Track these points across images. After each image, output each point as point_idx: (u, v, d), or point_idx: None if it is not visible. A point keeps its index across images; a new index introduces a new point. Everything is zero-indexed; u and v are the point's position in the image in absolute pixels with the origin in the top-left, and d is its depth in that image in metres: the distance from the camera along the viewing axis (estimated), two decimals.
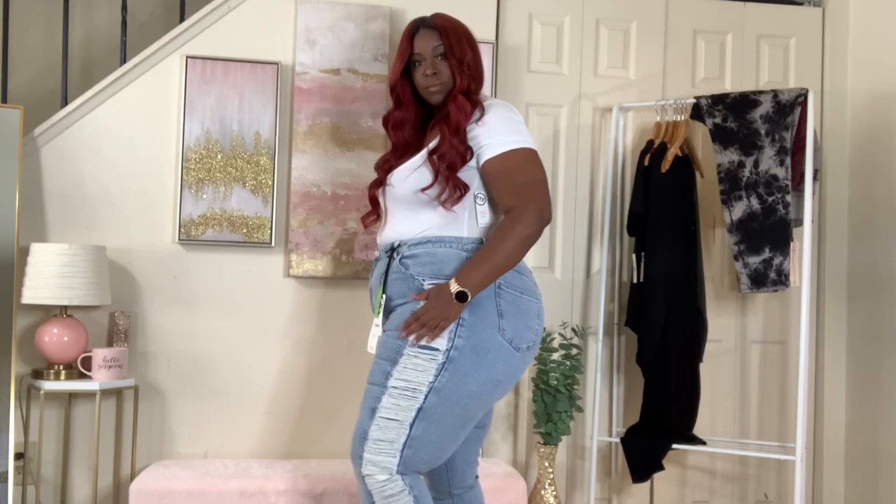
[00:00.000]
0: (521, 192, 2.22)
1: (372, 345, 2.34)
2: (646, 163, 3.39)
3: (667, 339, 3.31)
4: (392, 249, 2.32)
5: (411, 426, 2.17)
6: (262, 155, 3.26)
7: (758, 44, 3.74)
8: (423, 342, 2.18)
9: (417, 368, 2.18)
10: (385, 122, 2.49)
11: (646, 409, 3.39)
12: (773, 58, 3.75)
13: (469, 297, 2.16)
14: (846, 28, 3.75)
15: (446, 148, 2.26)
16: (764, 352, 3.72)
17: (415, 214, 2.30)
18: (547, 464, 3.30)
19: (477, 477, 2.50)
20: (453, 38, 2.37)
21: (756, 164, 3.22)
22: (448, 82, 2.35)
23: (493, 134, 2.25)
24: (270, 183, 3.25)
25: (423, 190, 2.27)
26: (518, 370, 2.26)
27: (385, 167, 2.42)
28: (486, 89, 3.38)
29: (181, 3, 3.53)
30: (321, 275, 3.27)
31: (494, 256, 2.18)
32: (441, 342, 2.18)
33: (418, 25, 2.41)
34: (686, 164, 3.40)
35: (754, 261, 3.22)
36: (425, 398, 2.17)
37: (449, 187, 2.25)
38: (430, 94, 2.38)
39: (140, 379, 3.20)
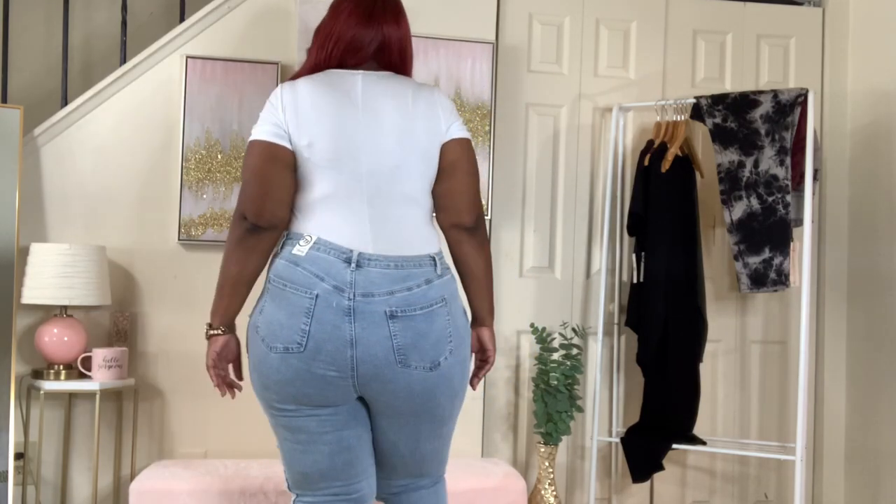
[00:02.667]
0: None
1: None
2: (646, 163, 3.39)
3: (667, 339, 3.31)
4: None
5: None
6: None
7: (758, 44, 3.74)
8: None
9: None
10: None
11: (646, 409, 3.39)
12: (773, 58, 3.75)
13: (209, 326, 2.06)
14: (846, 28, 3.75)
15: None
16: (764, 352, 3.72)
17: None
18: (547, 464, 3.30)
19: (437, 481, 2.21)
20: None
21: (756, 164, 3.22)
22: None
23: None
24: None
25: None
26: (279, 373, 1.97)
27: None
28: (486, 90, 3.40)
29: (181, 3, 3.54)
30: None
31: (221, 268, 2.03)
32: None
33: None
34: (686, 164, 3.40)
35: (754, 261, 3.22)
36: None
37: None
38: None
39: (140, 379, 3.20)
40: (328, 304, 1.93)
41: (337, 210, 2.01)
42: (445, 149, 2.08)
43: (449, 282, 2.04)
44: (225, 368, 2.12)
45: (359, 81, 2.08)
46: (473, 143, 3.37)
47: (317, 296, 1.93)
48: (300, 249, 1.97)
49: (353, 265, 1.95)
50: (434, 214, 2.12)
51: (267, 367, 1.99)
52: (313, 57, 2.14)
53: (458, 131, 2.11)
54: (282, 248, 2.02)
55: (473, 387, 2.19)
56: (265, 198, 1.98)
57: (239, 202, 2.00)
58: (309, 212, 2.02)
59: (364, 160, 2.02)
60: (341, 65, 2.11)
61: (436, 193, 2.10)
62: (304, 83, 2.07)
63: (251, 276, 2.02)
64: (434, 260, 2.03)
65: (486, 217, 3.44)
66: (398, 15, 2.17)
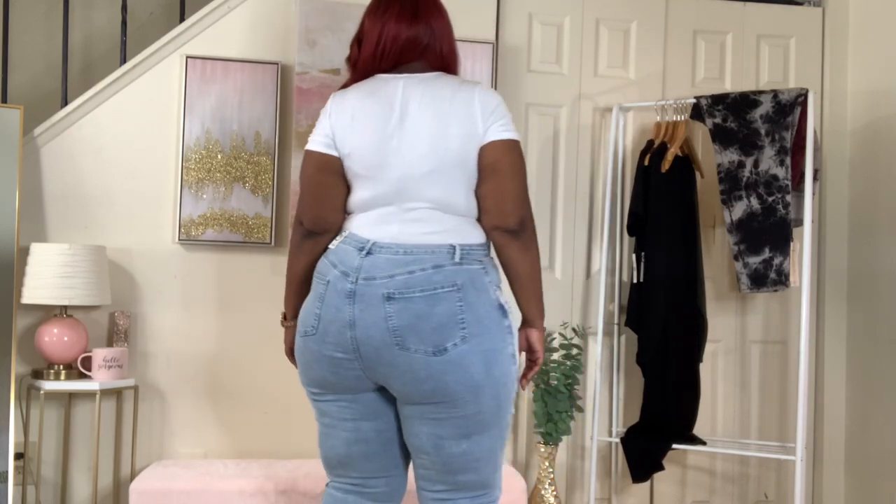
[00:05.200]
0: None
1: None
2: (646, 163, 3.39)
3: (667, 339, 3.31)
4: None
5: None
6: (262, 155, 3.26)
7: (758, 44, 3.74)
8: None
9: None
10: None
11: (646, 409, 3.39)
12: (773, 58, 3.75)
13: (284, 317, 2.26)
14: (846, 28, 3.75)
15: None
16: (764, 352, 3.72)
17: None
18: (547, 464, 3.30)
19: (479, 498, 2.12)
20: None
21: (756, 164, 3.22)
22: None
23: None
24: (270, 183, 3.25)
25: None
26: (304, 356, 2.10)
27: None
28: None
29: (181, 3, 3.53)
30: None
31: None
32: None
33: None
34: (686, 164, 3.40)
35: (754, 261, 3.22)
36: None
37: None
38: None
39: (140, 379, 3.20)
40: (335, 289, 2.02)
41: (371, 212, 2.08)
42: (483, 151, 2.05)
43: (470, 271, 2.01)
44: None
45: (400, 86, 2.09)
46: None
47: (328, 281, 2.05)
48: (334, 243, 2.10)
49: (364, 252, 2.03)
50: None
51: (299, 351, 2.12)
52: (362, 64, 2.17)
53: (499, 132, 2.06)
54: None
55: (521, 387, 2.16)
56: (319, 206, 2.11)
57: (297, 209, 2.15)
58: (352, 213, 2.12)
59: (397, 167, 2.05)
60: (395, 66, 2.13)
61: (477, 196, 2.09)
62: (352, 92, 2.13)
63: (310, 275, 2.14)
64: (454, 248, 2.02)
65: None
66: (440, 8, 2.19)
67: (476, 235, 2.08)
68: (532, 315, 2.13)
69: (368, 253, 2.02)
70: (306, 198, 2.13)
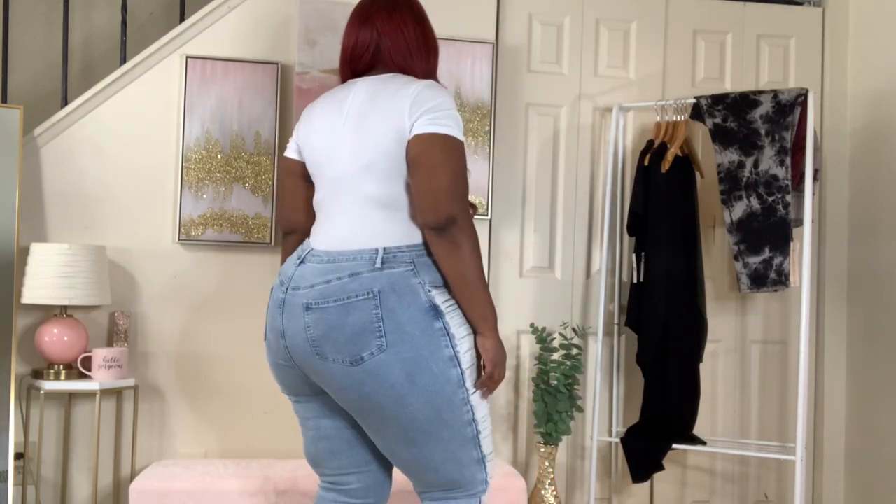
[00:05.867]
0: None
1: None
2: (646, 163, 3.39)
3: (667, 340, 3.31)
4: None
5: None
6: (262, 155, 3.26)
7: (758, 44, 3.74)
8: None
9: None
10: None
11: (646, 409, 3.39)
12: (773, 58, 3.75)
13: None
14: (846, 28, 3.75)
15: None
16: (764, 352, 3.72)
17: None
18: (547, 464, 3.30)
19: (451, 495, 2.10)
20: None
21: (756, 164, 3.22)
22: None
23: None
24: (270, 183, 3.25)
25: None
26: (267, 357, 2.16)
27: None
28: (486, 90, 3.41)
29: (181, 3, 3.53)
30: None
31: None
32: None
33: None
34: (686, 164, 3.40)
35: (754, 261, 3.22)
36: None
37: None
38: None
39: (140, 379, 3.20)
40: (273, 298, 2.10)
41: (321, 212, 2.14)
42: (408, 146, 2.00)
43: (392, 275, 1.95)
44: None
45: (354, 90, 2.13)
46: (473, 144, 3.39)
47: (272, 290, 2.12)
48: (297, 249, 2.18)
49: (299, 261, 2.07)
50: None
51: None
52: (339, 74, 2.26)
53: (424, 126, 1.98)
54: None
55: (482, 396, 2.04)
56: (285, 206, 2.24)
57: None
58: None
59: (337, 164, 2.08)
60: (355, 72, 2.19)
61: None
62: (319, 99, 2.22)
63: None
64: (377, 253, 1.97)
65: (479, 217, 3.43)
66: (392, 9, 2.16)
67: (410, 236, 2.02)
68: (474, 320, 2.00)
69: (302, 262, 2.05)
70: (279, 200, 2.28)
